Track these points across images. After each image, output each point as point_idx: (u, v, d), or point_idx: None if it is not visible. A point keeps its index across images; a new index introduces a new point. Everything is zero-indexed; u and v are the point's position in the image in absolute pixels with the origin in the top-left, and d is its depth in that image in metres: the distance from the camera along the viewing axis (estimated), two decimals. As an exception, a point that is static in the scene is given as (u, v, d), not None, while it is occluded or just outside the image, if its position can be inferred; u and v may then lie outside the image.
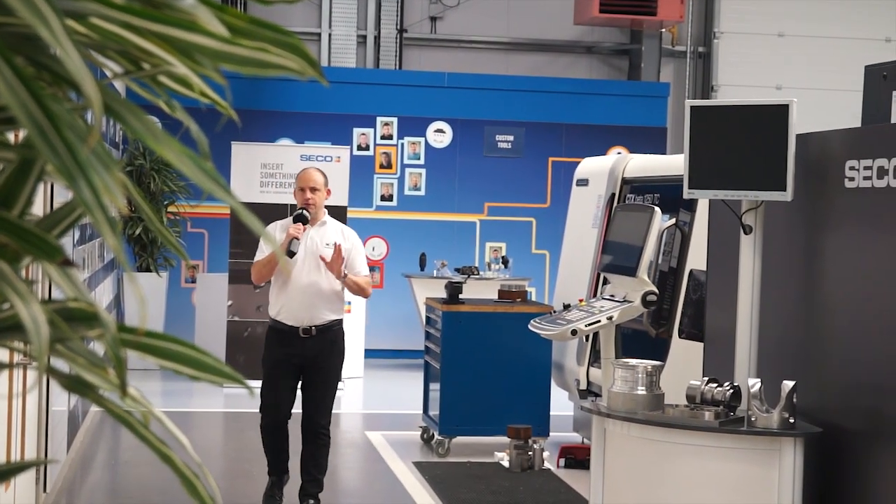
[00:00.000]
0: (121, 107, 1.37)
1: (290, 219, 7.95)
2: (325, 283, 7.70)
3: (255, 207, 12.47)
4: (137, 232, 13.90)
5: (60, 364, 1.52)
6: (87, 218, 1.33)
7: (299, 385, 7.80)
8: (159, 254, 14.29)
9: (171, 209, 14.49)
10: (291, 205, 13.55)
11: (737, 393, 5.40)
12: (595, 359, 9.15)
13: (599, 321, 6.98)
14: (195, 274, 15.10)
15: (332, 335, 7.75)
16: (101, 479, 9.07)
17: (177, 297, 14.84)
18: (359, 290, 7.85)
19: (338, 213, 12.80)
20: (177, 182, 14.30)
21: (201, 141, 1.41)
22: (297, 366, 7.70)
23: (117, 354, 1.36)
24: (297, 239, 7.65)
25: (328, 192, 7.95)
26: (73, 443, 9.27)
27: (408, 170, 15.84)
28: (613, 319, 6.97)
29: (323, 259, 7.61)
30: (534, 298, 14.76)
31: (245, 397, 11.99)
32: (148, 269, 14.14)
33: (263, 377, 7.81)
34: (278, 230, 7.87)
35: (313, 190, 7.82)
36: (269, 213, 12.70)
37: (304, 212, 7.78)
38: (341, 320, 7.83)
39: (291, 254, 7.61)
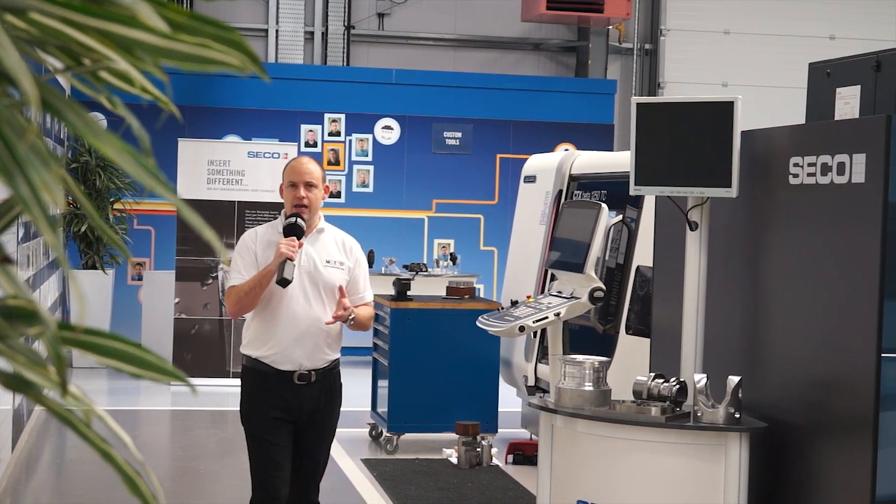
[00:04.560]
0: (60, 103, 1.36)
1: (270, 226, 5.91)
2: (328, 312, 5.76)
3: (202, 204, 12.42)
4: (83, 229, 13.79)
5: (1, 362, 1.51)
6: (27, 215, 1.32)
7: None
8: (105, 251, 14.18)
9: (117, 206, 14.39)
10: (240, 202, 13.59)
11: (683, 388, 5.42)
12: (543, 355, 9.18)
13: (547, 317, 6.99)
14: (142, 271, 15.00)
15: (332, 379, 5.87)
16: (47, 478, 9.00)
17: (123, 295, 14.74)
18: (362, 328, 5.95)
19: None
20: (123, 179, 14.19)
21: (142, 137, 1.40)
22: (291, 422, 5.79)
23: (57, 352, 1.35)
24: (292, 261, 5.60)
25: (326, 189, 5.89)
26: (18, 442, 9.19)
27: (356, 166, 15.82)
28: (561, 316, 6.99)
29: (335, 318, 5.70)
30: (482, 295, 14.77)
31: (192, 396, 11.92)
32: (94, 267, 14.03)
33: (251, 442, 5.82)
34: (259, 243, 5.80)
35: (309, 186, 5.74)
36: (216, 210, 12.66)
37: (299, 220, 5.69)
38: (339, 359, 5.95)
39: (285, 282, 5.58)
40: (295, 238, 5.63)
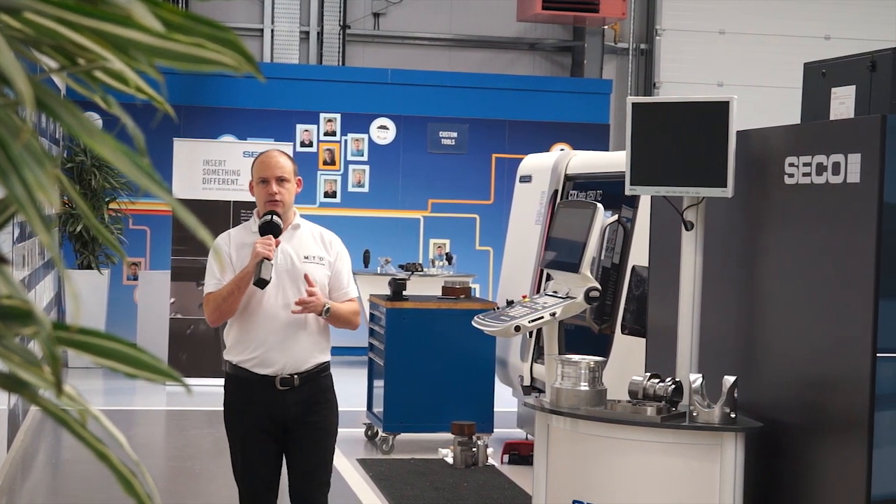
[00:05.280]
0: (55, 102, 1.36)
1: (243, 227, 5.73)
2: (309, 314, 5.54)
3: (197, 204, 12.42)
4: (78, 229, 13.78)
5: (-5, 362, 1.50)
6: (21, 215, 1.32)
7: (283, 454, 5.65)
8: (100, 251, 14.17)
9: (112, 206, 14.38)
10: (235, 202, 13.58)
11: (678, 388, 5.42)
12: (538, 355, 9.17)
13: (542, 317, 6.99)
14: (137, 271, 14.99)
15: (321, 384, 5.59)
16: (42, 478, 8.99)
17: (119, 295, 14.73)
18: (345, 323, 5.59)
19: (281, 209, 12.75)
20: (118, 179, 14.18)
21: (137, 137, 1.40)
22: (277, 429, 5.54)
23: (52, 352, 1.35)
24: (269, 260, 5.34)
25: (299, 182, 5.67)
26: (14, 441, 9.18)
27: (351, 166, 15.81)
28: (556, 315, 6.99)
29: (299, 303, 5.43)
30: (478, 295, 14.78)
31: (188, 396, 11.92)
32: (89, 267, 14.02)
33: (233, 452, 5.62)
34: (232, 246, 5.60)
35: (281, 181, 5.52)
36: (212, 210, 12.64)
37: (274, 217, 5.48)
38: (329, 363, 5.66)
39: (263, 283, 5.33)
40: (271, 236, 5.40)
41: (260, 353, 5.48)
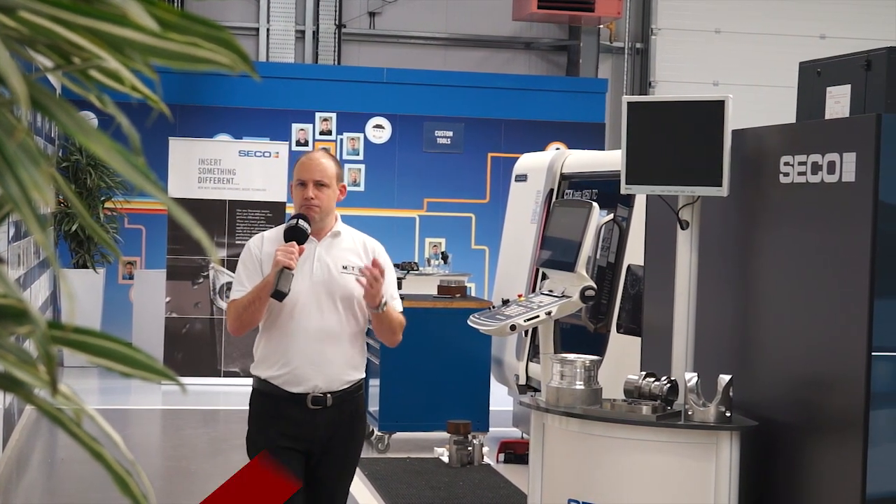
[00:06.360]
0: (50, 101, 1.36)
1: (278, 231, 5.22)
2: (345, 326, 5.13)
3: (192, 203, 12.41)
4: (73, 228, 13.77)
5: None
6: (16, 214, 1.32)
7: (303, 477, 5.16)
8: (96, 250, 14.16)
9: (107, 205, 14.36)
10: (231, 201, 13.59)
11: (674, 387, 5.43)
12: (534, 354, 9.18)
13: (538, 316, 6.99)
14: (133, 270, 14.98)
15: (353, 404, 5.21)
16: (38, 478, 8.98)
17: (114, 294, 14.71)
18: (390, 332, 5.20)
19: (276, 209, 12.77)
20: (113, 178, 14.17)
21: (132, 136, 1.40)
22: (300, 452, 5.10)
23: (47, 351, 1.35)
24: (290, 270, 4.88)
25: (343, 189, 5.23)
26: (9, 441, 9.17)
27: (347, 165, 15.80)
28: (552, 314, 6.99)
29: (360, 282, 4.96)
30: (473, 294, 14.75)
31: (183, 395, 11.90)
32: (84, 266, 14.01)
33: None
34: (264, 248, 5.14)
35: (319, 185, 5.09)
36: (207, 209, 12.64)
37: (301, 222, 5.02)
38: (363, 381, 5.31)
39: (280, 295, 4.88)
40: (295, 243, 4.93)
41: (289, 370, 5.06)
